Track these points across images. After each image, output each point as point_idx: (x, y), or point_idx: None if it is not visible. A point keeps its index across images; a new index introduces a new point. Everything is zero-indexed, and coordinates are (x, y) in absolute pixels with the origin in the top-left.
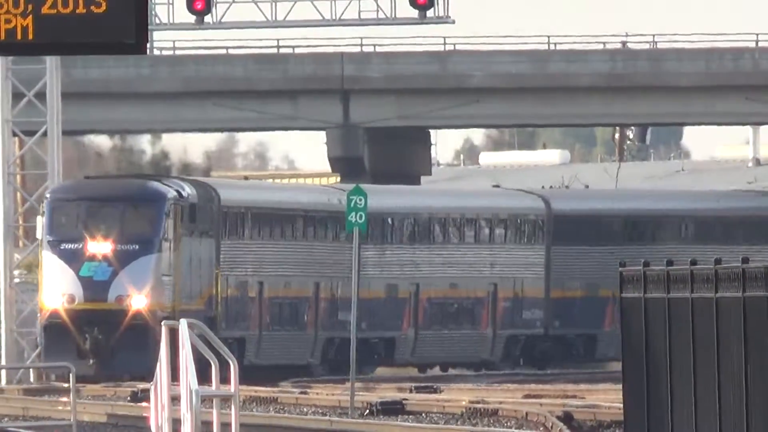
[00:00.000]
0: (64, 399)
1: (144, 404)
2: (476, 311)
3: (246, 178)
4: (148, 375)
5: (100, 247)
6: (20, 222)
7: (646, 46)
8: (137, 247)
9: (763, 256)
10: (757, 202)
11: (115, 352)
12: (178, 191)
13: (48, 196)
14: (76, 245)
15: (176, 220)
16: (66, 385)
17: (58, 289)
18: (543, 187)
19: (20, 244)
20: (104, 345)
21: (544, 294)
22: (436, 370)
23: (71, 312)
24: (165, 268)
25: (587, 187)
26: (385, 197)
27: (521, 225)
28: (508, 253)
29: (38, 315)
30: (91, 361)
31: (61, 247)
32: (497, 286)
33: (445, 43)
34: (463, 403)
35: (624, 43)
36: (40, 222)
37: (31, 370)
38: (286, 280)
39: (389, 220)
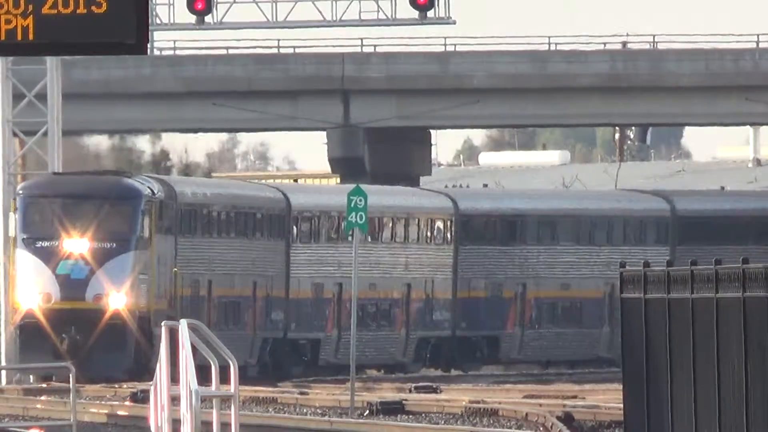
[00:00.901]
0: (64, 399)
1: (144, 405)
2: (392, 312)
3: (208, 176)
4: (127, 376)
5: (76, 244)
6: None
7: (647, 47)
8: (114, 245)
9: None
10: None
11: (92, 353)
12: (150, 188)
13: (20, 192)
14: (51, 243)
15: (151, 218)
16: (66, 385)
17: (33, 287)
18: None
19: None
20: (82, 345)
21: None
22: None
23: (48, 311)
24: (141, 267)
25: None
26: (312, 196)
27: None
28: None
29: (10, 314)
30: (69, 362)
31: (36, 245)
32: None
33: (445, 44)
34: (463, 403)
35: (624, 44)
36: (13, 219)
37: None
38: (231, 278)
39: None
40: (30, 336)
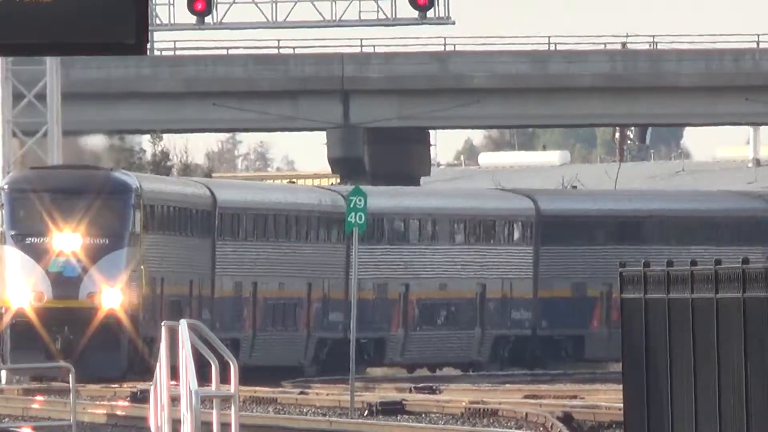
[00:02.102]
0: (65, 399)
1: (144, 405)
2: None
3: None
4: (121, 376)
5: (68, 241)
6: None
7: (647, 47)
8: (107, 241)
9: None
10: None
11: (86, 353)
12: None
13: (6, 187)
14: (42, 239)
15: (142, 213)
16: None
17: (24, 285)
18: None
19: None
20: (75, 345)
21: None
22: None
23: (40, 310)
24: (133, 264)
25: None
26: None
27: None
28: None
29: None
30: (61, 362)
31: (26, 242)
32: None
33: (445, 44)
34: (463, 403)
35: (624, 44)
36: (1, 215)
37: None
38: (178, 276)
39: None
40: (21, 335)
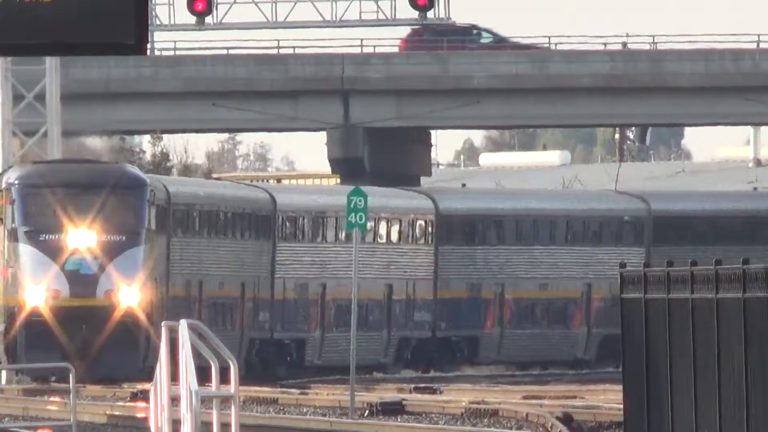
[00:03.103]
0: (65, 400)
1: (144, 405)
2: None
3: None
4: (139, 376)
5: (84, 237)
6: None
7: (647, 47)
8: (124, 237)
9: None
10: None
11: (104, 352)
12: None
13: (16, 182)
14: (56, 236)
15: (157, 209)
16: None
17: (39, 284)
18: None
19: None
20: (93, 344)
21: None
22: None
23: (56, 309)
24: (149, 261)
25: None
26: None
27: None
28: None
29: (2, 311)
30: (78, 362)
31: (40, 238)
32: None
33: (445, 44)
34: (463, 403)
35: (624, 44)
36: (10, 211)
37: None
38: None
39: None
40: (36, 335)
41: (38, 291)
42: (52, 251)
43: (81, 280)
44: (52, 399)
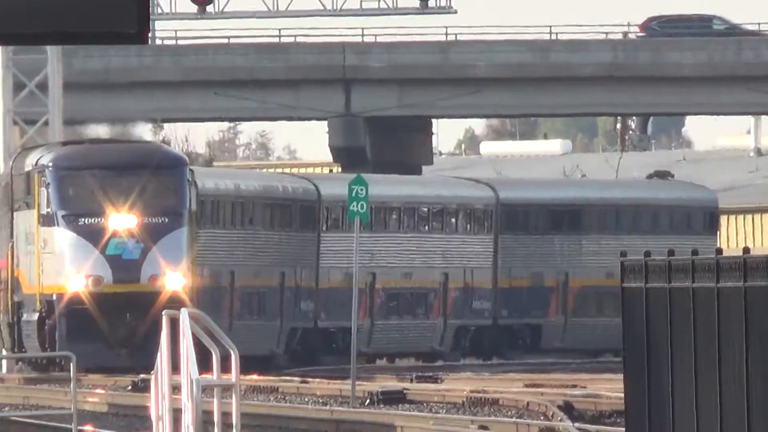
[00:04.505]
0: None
1: (145, 394)
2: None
3: None
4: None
5: (125, 221)
6: None
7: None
8: (166, 219)
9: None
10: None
11: (149, 341)
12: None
13: (50, 164)
14: (96, 219)
15: (195, 189)
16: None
17: (79, 270)
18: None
19: None
20: (138, 332)
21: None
22: None
23: (98, 296)
24: (193, 244)
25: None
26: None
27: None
28: None
29: (37, 299)
30: (123, 351)
31: (79, 223)
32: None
33: (446, 33)
34: (464, 392)
35: (626, 33)
36: (44, 195)
37: None
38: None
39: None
40: (77, 324)
41: (79, 278)
42: (92, 236)
43: (123, 265)
44: (51, 388)
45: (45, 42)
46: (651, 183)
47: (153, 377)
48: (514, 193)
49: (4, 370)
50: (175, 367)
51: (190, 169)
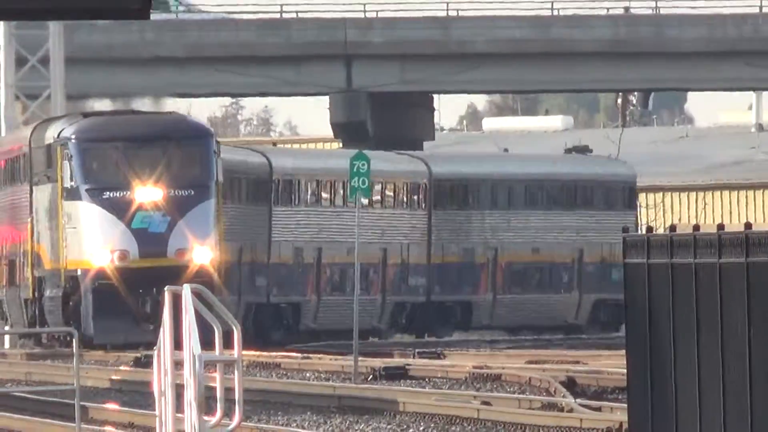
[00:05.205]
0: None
1: (147, 370)
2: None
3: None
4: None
5: (151, 193)
6: None
7: (649, 12)
8: (192, 192)
9: None
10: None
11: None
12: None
13: (73, 137)
14: (121, 193)
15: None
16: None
17: (105, 244)
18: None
19: None
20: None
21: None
22: None
23: (124, 271)
24: (219, 217)
25: None
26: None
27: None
28: None
29: (61, 275)
30: (152, 327)
31: (104, 196)
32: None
33: (447, 9)
34: (467, 368)
35: (627, 9)
36: (67, 168)
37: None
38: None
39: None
40: (104, 299)
41: (104, 252)
42: (117, 209)
43: (150, 238)
44: (54, 364)
45: (48, 17)
46: (573, 158)
47: (155, 353)
48: (445, 168)
49: (7, 345)
50: (177, 343)
51: (216, 141)
